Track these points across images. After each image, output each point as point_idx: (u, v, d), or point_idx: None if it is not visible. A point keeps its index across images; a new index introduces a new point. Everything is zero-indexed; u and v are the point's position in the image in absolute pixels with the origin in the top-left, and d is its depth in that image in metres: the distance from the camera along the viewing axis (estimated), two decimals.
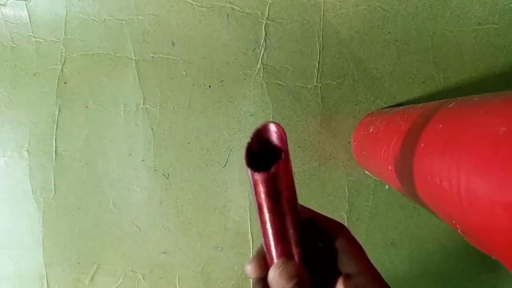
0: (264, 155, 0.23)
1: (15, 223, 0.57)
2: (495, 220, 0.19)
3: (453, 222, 0.26)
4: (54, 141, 0.56)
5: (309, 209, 0.27)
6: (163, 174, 0.55)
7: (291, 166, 0.22)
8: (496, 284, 0.53)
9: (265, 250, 0.25)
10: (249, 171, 0.21)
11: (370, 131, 0.44)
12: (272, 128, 0.21)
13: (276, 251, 0.24)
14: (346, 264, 0.24)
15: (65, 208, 0.56)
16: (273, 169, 0.21)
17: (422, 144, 0.28)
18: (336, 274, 0.26)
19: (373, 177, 0.52)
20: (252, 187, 0.22)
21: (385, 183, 0.52)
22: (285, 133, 0.21)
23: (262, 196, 0.22)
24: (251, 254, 0.55)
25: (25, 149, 0.56)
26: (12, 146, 0.56)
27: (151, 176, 0.55)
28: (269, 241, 0.24)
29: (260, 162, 0.22)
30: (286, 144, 0.21)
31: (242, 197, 0.54)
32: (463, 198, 0.21)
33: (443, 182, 0.24)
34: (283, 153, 0.21)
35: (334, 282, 0.25)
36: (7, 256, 0.58)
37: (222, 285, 0.56)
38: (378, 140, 0.40)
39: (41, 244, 0.57)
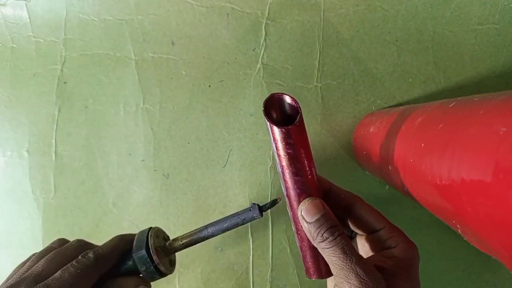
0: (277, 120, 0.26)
1: (14, 223, 0.57)
2: (495, 220, 0.19)
3: (453, 222, 0.26)
4: (53, 141, 0.56)
5: (325, 179, 0.29)
6: (163, 174, 0.55)
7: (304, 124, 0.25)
8: (496, 284, 0.53)
9: (291, 207, 0.27)
10: (272, 126, 0.24)
11: (370, 131, 0.44)
12: (286, 97, 0.25)
13: (302, 200, 0.26)
14: (371, 223, 0.26)
15: (65, 208, 0.56)
16: (297, 120, 0.24)
17: (422, 144, 0.28)
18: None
19: (373, 177, 0.52)
20: (278, 141, 0.24)
21: (385, 183, 0.52)
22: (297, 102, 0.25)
23: (287, 149, 0.24)
24: (251, 254, 0.55)
25: (25, 149, 0.56)
26: (11, 146, 0.56)
27: (151, 176, 0.55)
28: (294, 193, 0.26)
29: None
30: (299, 104, 0.25)
31: (242, 197, 0.54)
32: (463, 198, 0.21)
33: (443, 182, 0.24)
34: (299, 111, 0.24)
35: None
36: (7, 256, 0.58)
37: (222, 285, 0.56)
38: (378, 140, 0.40)
39: (41, 244, 0.57)
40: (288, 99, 0.25)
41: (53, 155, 0.56)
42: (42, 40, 0.54)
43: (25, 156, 0.56)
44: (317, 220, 0.24)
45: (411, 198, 0.33)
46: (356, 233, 0.29)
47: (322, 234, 0.23)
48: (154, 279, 0.34)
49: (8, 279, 0.28)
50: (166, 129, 0.54)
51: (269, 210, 0.54)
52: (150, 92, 0.54)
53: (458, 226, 0.25)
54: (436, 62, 0.51)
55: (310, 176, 0.26)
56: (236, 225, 0.31)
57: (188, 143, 0.54)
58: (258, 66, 0.53)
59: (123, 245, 0.34)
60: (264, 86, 0.53)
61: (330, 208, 0.26)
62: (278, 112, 0.26)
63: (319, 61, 0.52)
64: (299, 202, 0.26)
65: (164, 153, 0.55)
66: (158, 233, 0.36)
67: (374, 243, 0.27)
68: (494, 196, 0.18)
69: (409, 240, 0.26)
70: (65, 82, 0.55)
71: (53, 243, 0.34)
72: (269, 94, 0.25)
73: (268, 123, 0.24)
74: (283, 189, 0.27)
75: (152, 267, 0.32)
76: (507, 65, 0.50)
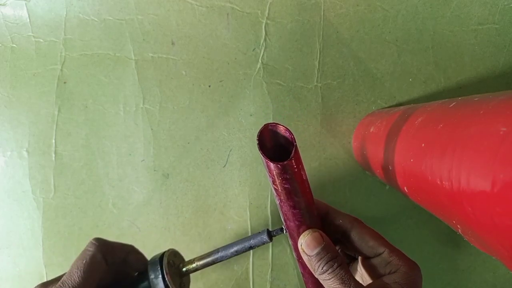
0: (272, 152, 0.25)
1: (14, 223, 0.57)
2: (495, 220, 0.19)
3: (453, 222, 0.25)
4: (53, 141, 0.56)
5: (322, 202, 0.29)
6: (163, 174, 0.55)
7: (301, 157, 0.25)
8: (496, 284, 0.53)
9: (291, 237, 0.27)
10: (268, 162, 0.23)
11: (371, 131, 0.44)
12: (281, 128, 0.24)
13: (301, 231, 0.26)
14: (370, 248, 0.26)
15: (65, 208, 0.56)
16: (292, 154, 0.23)
17: (423, 144, 0.28)
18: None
19: (373, 177, 0.52)
20: (275, 176, 0.24)
21: (386, 184, 0.52)
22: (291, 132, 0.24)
23: (284, 184, 0.24)
24: (251, 254, 0.55)
25: (25, 149, 0.56)
26: (11, 146, 0.56)
27: (150, 176, 0.55)
28: (293, 225, 0.26)
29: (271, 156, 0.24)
30: (294, 136, 0.24)
31: (242, 197, 0.54)
32: (464, 198, 0.21)
33: (443, 182, 0.24)
34: (294, 143, 0.23)
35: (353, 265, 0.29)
36: (7, 256, 0.58)
37: (222, 285, 0.56)
38: (379, 140, 0.40)
39: (41, 244, 0.57)
40: (282, 130, 0.24)
41: (53, 155, 0.56)
42: (42, 40, 0.54)
43: (25, 156, 0.56)
44: (317, 253, 0.24)
45: (411, 198, 0.33)
46: (358, 255, 0.29)
47: (323, 267, 0.24)
48: None
49: (48, 280, 0.31)
50: (166, 129, 0.54)
51: (269, 210, 0.54)
52: (150, 92, 0.54)
53: (458, 226, 0.25)
54: (436, 62, 0.51)
55: (308, 207, 0.26)
56: (246, 249, 0.32)
57: (188, 143, 0.54)
58: (258, 66, 0.53)
59: (132, 247, 0.37)
60: (264, 86, 0.53)
61: (329, 234, 0.26)
62: (273, 141, 0.25)
63: (319, 61, 0.52)
64: (299, 233, 0.26)
65: (164, 153, 0.55)
66: (175, 254, 0.38)
67: (375, 267, 0.26)
68: (494, 196, 0.18)
69: (410, 262, 0.25)
70: (65, 82, 0.55)
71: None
72: (263, 125, 0.24)
73: (263, 158, 0.23)
74: (282, 219, 0.27)
75: (164, 286, 0.33)
76: (507, 65, 0.50)
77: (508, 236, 0.18)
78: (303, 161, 0.25)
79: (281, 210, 0.26)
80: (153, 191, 0.55)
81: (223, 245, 0.33)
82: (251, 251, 0.55)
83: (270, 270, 0.55)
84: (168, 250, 0.37)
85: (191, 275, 0.38)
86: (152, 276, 0.33)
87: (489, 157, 0.19)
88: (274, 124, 0.24)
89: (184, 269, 0.36)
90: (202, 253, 0.35)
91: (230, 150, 0.54)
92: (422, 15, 0.50)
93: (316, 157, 0.53)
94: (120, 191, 0.56)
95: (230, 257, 0.33)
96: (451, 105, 0.27)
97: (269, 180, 0.25)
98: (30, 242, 0.57)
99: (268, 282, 0.55)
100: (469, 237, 0.25)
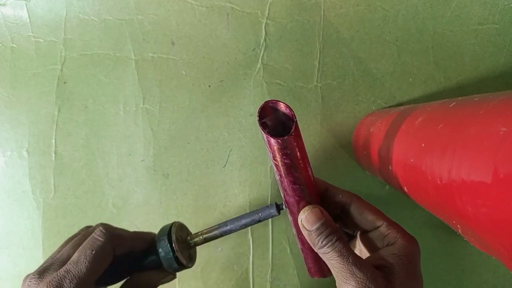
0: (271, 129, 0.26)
1: (14, 223, 0.57)
2: (495, 220, 0.19)
3: (453, 222, 0.26)
4: (53, 141, 0.56)
5: (321, 180, 0.29)
6: (163, 174, 0.55)
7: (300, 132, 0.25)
8: (496, 285, 0.53)
9: (291, 213, 0.27)
10: (269, 137, 0.23)
11: (371, 131, 0.44)
12: (281, 105, 0.24)
13: (301, 207, 0.26)
14: (369, 221, 0.26)
15: (65, 208, 0.56)
16: (293, 130, 0.23)
17: (423, 144, 0.28)
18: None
19: (373, 177, 0.52)
20: (275, 151, 0.24)
21: (386, 184, 0.52)
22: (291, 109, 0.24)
23: (284, 159, 0.24)
24: (251, 254, 0.55)
25: (25, 149, 0.56)
26: (11, 146, 0.56)
27: (150, 176, 0.55)
28: (293, 200, 0.26)
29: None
30: (294, 112, 0.24)
31: (242, 197, 0.54)
32: (464, 198, 0.21)
33: (443, 182, 0.24)
34: (294, 120, 0.24)
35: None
36: (7, 256, 0.58)
37: (222, 285, 0.56)
38: (379, 140, 0.40)
39: (41, 244, 0.57)
40: (282, 107, 0.25)
41: (53, 155, 0.56)
42: (42, 40, 0.54)
43: (25, 156, 0.56)
44: (317, 228, 0.25)
45: (411, 198, 0.33)
46: (357, 231, 0.29)
47: (322, 241, 0.24)
48: (174, 270, 0.35)
49: (41, 265, 0.31)
50: (166, 129, 0.54)
51: None
52: (150, 92, 0.54)
53: (458, 226, 0.25)
54: (436, 62, 0.51)
55: (308, 183, 0.26)
56: (254, 222, 0.32)
57: (188, 143, 0.54)
58: (258, 66, 0.53)
59: (142, 235, 0.37)
60: (264, 86, 0.53)
61: (328, 210, 0.27)
62: (273, 119, 0.25)
63: (319, 61, 0.52)
64: (299, 208, 0.26)
65: (164, 153, 0.55)
66: (181, 227, 0.38)
67: (373, 240, 0.27)
68: (495, 196, 0.18)
69: (408, 235, 0.26)
70: (65, 82, 0.55)
71: (80, 230, 0.37)
72: (263, 102, 0.24)
73: (264, 134, 0.24)
74: (282, 196, 0.27)
75: (172, 256, 0.33)
76: (507, 65, 0.50)
77: (508, 236, 0.18)
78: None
79: (281, 185, 0.26)
80: (153, 191, 0.55)
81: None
82: (251, 250, 0.55)
83: (270, 270, 0.55)
84: (174, 224, 0.36)
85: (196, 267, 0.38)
86: (162, 253, 0.34)
87: (489, 157, 0.19)
88: (275, 101, 0.24)
89: (191, 241, 0.36)
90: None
91: (230, 150, 0.54)
92: (422, 15, 0.50)
93: (316, 157, 0.53)
94: (120, 191, 0.56)
95: (239, 229, 0.33)
96: (451, 105, 0.27)
97: (269, 156, 0.25)
98: (30, 242, 0.57)
99: (268, 282, 0.55)
100: (469, 237, 0.25)
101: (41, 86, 0.55)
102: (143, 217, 0.56)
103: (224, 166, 0.54)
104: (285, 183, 0.26)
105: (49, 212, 0.57)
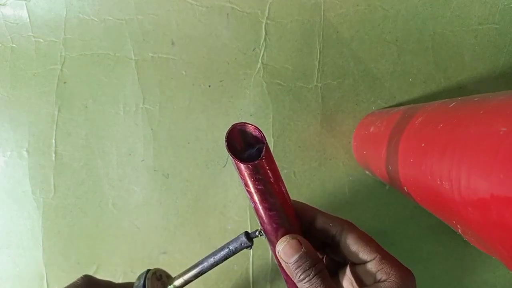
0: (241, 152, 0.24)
1: (14, 223, 0.57)
2: (495, 220, 0.19)
3: (454, 222, 0.25)
4: (53, 141, 0.56)
5: (310, 206, 0.27)
6: (163, 174, 0.55)
7: (272, 156, 0.24)
8: (496, 285, 0.53)
9: (269, 241, 0.26)
10: (238, 163, 0.22)
11: (371, 131, 0.44)
12: (250, 127, 0.23)
13: (280, 235, 0.25)
14: (360, 253, 0.24)
15: (65, 208, 0.56)
16: (263, 153, 0.22)
17: (423, 144, 0.28)
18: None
19: (373, 177, 0.52)
20: (247, 178, 0.23)
21: (386, 184, 0.52)
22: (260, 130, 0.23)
23: (257, 185, 0.23)
24: (251, 255, 0.55)
25: (25, 149, 0.56)
26: (11, 146, 0.56)
27: (150, 176, 0.55)
28: (271, 228, 0.25)
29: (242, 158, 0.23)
30: (263, 134, 0.23)
31: (242, 197, 0.54)
32: (464, 198, 0.21)
33: (443, 182, 0.24)
34: (265, 141, 0.23)
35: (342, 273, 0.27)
36: (7, 256, 0.58)
37: (222, 285, 0.56)
38: (379, 140, 0.40)
39: (41, 244, 0.57)
40: (251, 129, 0.23)
41: (53, 155, 0.56)
42: (42, 40, 0.54)
43: (25, 156, 0.56)
44: (294, 261, 0.23)
45: (411, 198, 0.33)
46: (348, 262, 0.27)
47: (299, 276, 0.23)
48: None
49: None
50: (166, 129, 0.54)
51: None
52: (150, 92, 0.54)
53: (458, 226, 0.25)
54: (436, 62, 0.51)
55: (285, 209, 0.24)
56: (226, 256, 0.30)
57: (188, 143, 0.54)
58: (258, 66, 0.53)
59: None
60: (264, 86, 0.53)
61: (316, 238, 0.25)
62: (242, 143, 0.24)
63: (319, 61, 0.52)
64: (277, 237, 0.25)
65: (164, 153, 0.55)
66: (157, 273, 0.37)
67: (364, 274, 0.25)
68: (494, 196, 0.18)
69: (402, 270, 0.24)
70: (65, 82, 0.55)
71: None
72: (231, 126, 0.23)
73: (233, 159, 0.22)
74: (259, 224, 0.26)
75: None
76: (507, 65, 0.50)
77: (508, 236, 0.18)
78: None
79: (257, 214, 0.25)
80: (153, 191, 0.55)
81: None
82: (251, 250, 0.55)
83: (270, 270, 0.55)
84: (149, 271, 0.35)
85: None
86: None
87: (489, 157, 0.19)
88: (242, 124, 0.23)
89: (168, 285, 0.34)
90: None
91: None
92: (422, 15, 0.50)
93: (316, 157, 0.53)
94: (120, 191, 0.56)
95: (212, 267, 0.32)
96: (451, 105, 0.27)
97: (242, 184, 0.24)
98: (30, 242, 0.57)
99: (268, 282, 0.55)
100: (469, 237, 0.25)
101: (41, 86, 0.55)
102: (143, 217, 0.56)
103: (224, 166, 0.54)
104: (261, 210, 0.24)
105: (49, 212, 0.57)
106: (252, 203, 0.24)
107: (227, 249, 0.30)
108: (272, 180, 0.23)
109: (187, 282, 0.33)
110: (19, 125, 0.56)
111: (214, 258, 0.31)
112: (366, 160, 0.46)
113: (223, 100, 0.53)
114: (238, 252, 0.30)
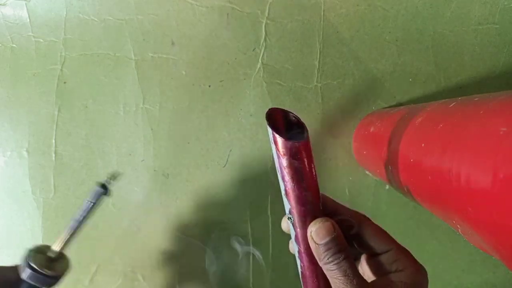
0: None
1: (14, 223, 0.57)
2: (495, 220, 0.19)
3: (453, 222, 0.25)
4: (53, 141, 0.56)
5: (330, 198, 0.29)
6: (163, 174, 0.55)
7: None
8: (496, 285, 0.53)
9: (299, 222, 0.26)
10: (286, 141, 0.23)
11: (371, 131, 0.44)
12: (290, 115, 0.25)
13: (309, 218, 0.25)
14: (378, 245, 0.25)
15: (65, 208, 0.56)
16: (306, 134, 0.23)
17: (423, 144, 0.28)
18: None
19: (373, 177, 0.52)
20: (286, 156, 0.24)
21: (386, 183, 0.52)
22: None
23: (299, 164, 0.24)
24: (251, 255, 0.55)
25: (25, 149, 0.56)
26: (11, 146, 0.56)
27: (150, 176, 0.55)
28: (304, 209, 0.25)
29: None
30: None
31: (242, 197, 0.54)
32: (464, 198, 0.21)
33: (443, 182, 0.24)
34: (305, 127, 0.24)
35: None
36: (6, 256, 0.58)
37: (222, 285, 0.56)
38: (379, 140, 0.40)
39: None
40: (291, 116, 0.25)
41: (53, 155, 0.56)
42: (42, 40, 0.54)
43: (25, 156, 0.56)
44: (325, 243, 0.24)
45: (411, 198, 0.33)
46: (363, 253, 0.28)
47: (329, 258, 0.24)
48: (50, 284, 0.38)
49: None
50: (166, 129, 0.54)
51: (269, 210, 0.54)
52: (150, 92, 0.54)
53: (458, 226, 0.25)
54: (436, 62, 0.51)
55: (316, 194, 0.25)
56: (88, 208, 0.36)
57: (188, 143, 0.54)
58: (258, 66, 0.53)
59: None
60: (264, 86, 0.53)
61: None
62: (282, 126, 0.25)
63: (319, 61, 0.52)
64: (306, 219, 0.25)
65: (164, 153, 0.55)
66: (36, 249, 0.40)
67: (381, 265, 0.26)
68: (494, 196, 0.18)
69: (417, 264, 0.25)
70: (65, 82, 0.55)
71: None
72: (270, 108, 0.24)
73: (278, 137, 0.23)
74: (289, 206, 0.26)
75: (50, 279, 0.37)
76: (507, 65, 0.50)
77: (508, 236, 0.18)
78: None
79: (291, 195, 0.25)
80: (153, 191, 0.55)
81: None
82: (251, 250, 0.55)
83: (270, 270, 0.55)
84: (30, 250, 0.39)
85: None
86: (30, 281, 0.36)
87: (489, 157, 0.19)
88: (284, 109, 0.25)
89: (51, 253, 0.39)
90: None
91: (230, 150, 0.54)
92: (422, 15, 0.50)
93: (316, 157, 0.53)
94: (120, 191, 0.56)
95: (82, 222, 0.38)
96: (451, 105, 0.27)
97: (280, 163, 0.24)
98: (30, 242, 0.57)
99: (268, 282, 0.55)
100: (469, 237, 0.25)
101: (41, 86, 0.55)
102: (143, 217, 0.56)
103: (224, 166, 0.54)
104: (296, 191, 0.25)
105: (49, 212, 0.57)
106: (285, 182, 0.25)
107: (88, 202, 0.36)
108: (311, 161, 0.24)
109: (64, 242, 0.39)
110: (19, 125, 0.56)
111: (80, 213, 0.38)
112: (366, 160, 0.46)
113: (223, 100, 0.53)
114: (98, 201, 0.36)
